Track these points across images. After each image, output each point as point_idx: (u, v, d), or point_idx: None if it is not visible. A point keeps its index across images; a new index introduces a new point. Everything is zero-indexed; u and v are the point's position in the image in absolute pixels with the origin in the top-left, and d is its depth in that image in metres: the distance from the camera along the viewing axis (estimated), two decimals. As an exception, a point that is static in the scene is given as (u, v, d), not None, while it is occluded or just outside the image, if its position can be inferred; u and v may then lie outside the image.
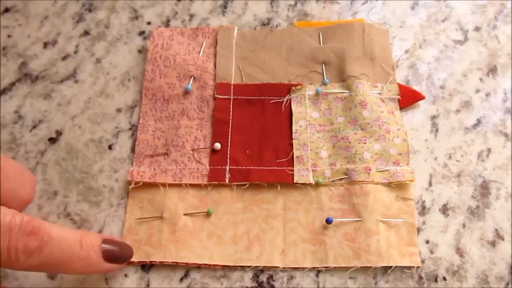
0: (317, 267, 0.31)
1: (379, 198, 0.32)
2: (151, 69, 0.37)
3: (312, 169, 0.33)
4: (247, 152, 0.34)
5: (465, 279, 0.30)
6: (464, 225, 0.32)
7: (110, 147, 0.35)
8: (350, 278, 0.31)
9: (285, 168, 0.33)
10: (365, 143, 0.34)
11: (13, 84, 0.38)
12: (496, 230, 0.32)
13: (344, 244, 0.31)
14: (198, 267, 0.31)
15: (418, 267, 0.31)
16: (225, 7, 0.41)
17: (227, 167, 0.33)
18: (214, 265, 0.31)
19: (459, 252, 0.31)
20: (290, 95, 0.36)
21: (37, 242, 0.24)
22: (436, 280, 0.30)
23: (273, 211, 0.32)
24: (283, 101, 0.36)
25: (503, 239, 0.31)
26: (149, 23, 0.41)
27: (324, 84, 0.36)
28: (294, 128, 0.35)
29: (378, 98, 0.36)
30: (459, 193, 0.33)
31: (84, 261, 0.26)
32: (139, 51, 0.39)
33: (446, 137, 0.35)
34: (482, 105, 0.36)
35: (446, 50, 0.38)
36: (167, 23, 0.40)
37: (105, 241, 0.28)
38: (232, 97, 0.36)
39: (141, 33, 0.40)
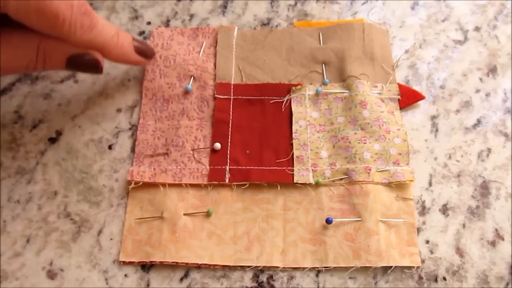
0: (317, 267, 0.31)
1: (379, 198, 0.32)
2: (151, 69, 0.37)
3: (312, 169, 0.33)
4: (247, 152, 0.34)
5: (465, 279, 0.30)
6: (464, 225, 0.32)
7: (110, 147, 0.35)
8: (350, 278, 0.31)
9: (285, 168, 0.33)
10: (365, 143, 0.34)
11: (13, 84, 0.38)
12: (496, 230, 0.32)
13: (344, 244, 0.31)
14: (198, 267, 0.31)
15: (418, 267, 0.31)
16: (225, 7, 0.41)
17: (227, 167, 0.34)
18: (214, 265, 0.31)
19: (459, 252, 0.31)
20: (290, 95, 0.36)
21: (89, 22, 0.29)
22: (436, 280, 0.30)
23: (273, 211, 0.32)
24: (283, 101, 0.36)
25: (503, 239, 0.31)
26: (149, 23, 0.41)
27: (324, 84, 0.36)
28: (294, 128, 0.35)
29: (378, 98, 0.36)
30: (459, 193, 0.33)
31: (120, 49, 0.32)
32: None
33: (446, 137, 0.35)
34: (482, 105, 0.36)
35: (446, 50, 0.38)
36: (167, 23, 0.40)
37: (134, 39, 0.34)
38: (232, 97, 0.36)
39: (141, 33, 0.40)
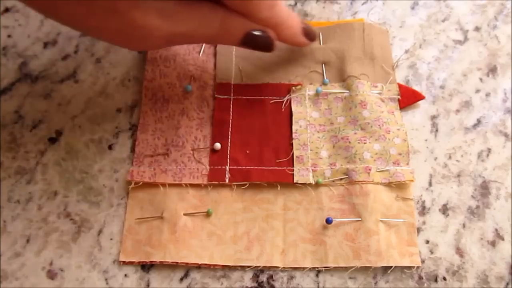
0: (317, 267, 0.31)
1: (379, 198, 0.32)
2: (151, 69, 0.37)
3: (312, 169, 0.33)
4: (247, 152, 0.34)
5: (465, 279, 0.30)
6: (464, 225, 0.32)
7: (110, 147, 0.35)
8: (350, 278, 0.31)
9: (285, 168, 0.33)
10: (365, 143, 0.34)
11: (13, 84, 0.38)
12: (496, 230, 0.32)
13: (344, 244, 0.31)
14: (198, 267, 0.31)
15: (418, 267, 0.31)
16: (225, 7, 0.41)
17: (227, 167, 0.33)
18: (214, 265, 0.31)
19: (459, 252, 0.31)
20: (290, 95, 0.36)
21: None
22: (436, 280, 0.30)
23: (273, 211, 0.32)
24: (283, 101, 0.36)
25: (503, 239, 0.31)
26: (149, 23, 0.41)
27: (324, 84, 0.36)
28: (294, 128, 0.35)
29: (378, 98, 0.36)
30: (459, 193, 0.33)
31: (291, 30, 0.33)
32: (139, 51, 0.39)
33: (446, 137, 0.35)
34: (482, 105, 0.36)
35: (446, 50, 0.38)
36: (167, 23, 0.40)
37: (302, 22, 0.34)
38: (232, 97, 0.36)
39: (141, 33, 0.40)
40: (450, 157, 0.34)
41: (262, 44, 0.31)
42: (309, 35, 0.35)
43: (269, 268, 0.31)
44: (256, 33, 0.31)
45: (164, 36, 0.28)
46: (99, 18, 0.26)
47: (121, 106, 0.37)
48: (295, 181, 0.33)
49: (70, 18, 0.27)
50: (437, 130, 0.35)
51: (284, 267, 0.31)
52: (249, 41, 0.31)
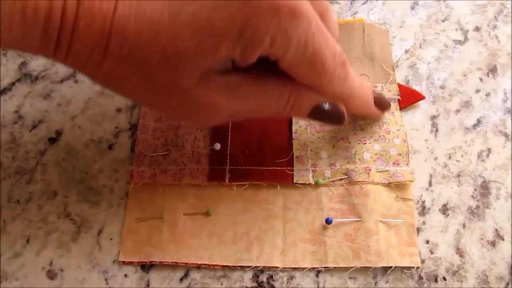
0: (317, 267, 0.31)
1: (379, 198, 0.32)
2: (151, 69, 0.37)
3: (312, 169, 0.33)
4: (247, 152, 0.34)
5: (465, 279, 0.30)
6: (464, 225, 0.32)
7: (110, 147, 0.35)
8: (350, 278, 0.31)
9: (285, 168, 0.33)
10: (365, 143, 0.34)
11: (13, 84, 0.38)
12: (496, 230, 0.32)
13: (344, 244, 0.31)
14: (198, 267, 0.31)
15: (418, 267, 0.31)
16: (225, 7, 0.41)
17: (227, 167, 0.33)
18: (214, 265, 0.31)
19: (459, 252, 0.31)
20: (290, 95, 0.36)
21: (344, 72, 0.27)
22: (436, 280, 0.30)
23: (273, 211, 0.32)
24: (283, 101, 0.36)
25: (503, 239, 0.31)
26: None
27: (324, 84, 0.36)
28: (294, 128, 0.35)
29: (378, 98, 0.36)
30: (459, 193, 0.33)
31: (362, 100, 0.30)
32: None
33: (446, 137, 0.35)
34: (482, 105, 0.36)
35: (446, 50, 0.38)
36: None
37: (374, 91, 0.32)
38: (232, 97, 0.36)
39: (141, 33, 0.40)
40: (450, 157, 0.34)
41: (331, 117, 0.29)
42: (382, 105, 0.33)
43: (269, 268, 0.31)
44: (325, 106, 0.28)
45: (229, 112, 0.26)
46: (160, 95, 0.24)
47: (121, 106, 0.37)
48: (295, 181, 0.33)
49: (130, 93, 0.25)
50: (437, 130, 0.35)
51: (284, 267, 0.31)
52: (317, 114, 0.28)
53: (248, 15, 0.21)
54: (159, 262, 0.31)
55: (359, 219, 0.31)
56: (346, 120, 0.29)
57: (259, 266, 0.31)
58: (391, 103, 0.36)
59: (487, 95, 0.36)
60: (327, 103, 0.28)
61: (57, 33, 0.21)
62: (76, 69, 0.23)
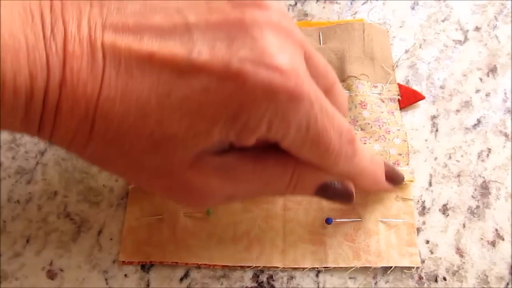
0: (317, 267, 0.31)
1: (379, 198, 0.32)
2: (151, 69, 0.37)
3: (312, 169, 0.33)
4: (247, 152, 0.34)
5: (465, 279, 0.30)
6: (464, 225, 0.32)
7: (110, 147, 0.35)
8: (350, 278, 0.31)
9: (285, 168, 0.33)
10: (365, 143, 0.34)
11: (13, 84, 0.38)
12: (496, 230, 0.32)
13: (344, 244, 0.31)
14: (198, 267, 0.31)
15: (418, 267, 0.31)
16: (225, 7, 0.41)
17: (227, 167, 0.33)
18: (214, 265, 0.31)
19: (459, 252, 0.31)
20: (290, 95, 0.36)
21: (352, 150, 0.25)
22: (436, 280, 0.30)
23: (273, 211, 0.32)
24: (283, 101, 0.36)
25: (503, 239, 0.31)
26: (149, 23, 0.40)
27: (324, 84, 0.36)
28: (294, 128, 0.35)
29: (378, 99, 0.36)
30: (459, 193, 0.33)
31: (373, 177, 0.28)
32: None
33: (446, 137, 0.35)
34: (482, 105, 0.36)
35: (446, 50, 0.38)
36: (167, 23, 0.40)
37: (386, 165, 0.29)
38: (232, 97, 0.36)
39: (141, 33, 0.40)
40: (450, 157, 0.34)
41: (339, 197, 0.27)
42: (394, 180, 0.30)
43: (269, 268, 0.31)
44: (332, 184, 0.26)
45: (225, 195, 0.25)
46: (149, 178, 0.23)
47: (121, 106, 0.37)
48: (295, 181, 0.33)
49: (118, 173, 0.25)
50: (437, 130, 0.35)
51: (284, 267, 0.31)
52: (323, 194, 0.26)
53: (242, 100, 0.20)
54: (159, 262, 0.31)
55: (359, 219, 0.31)
56: (355, 199, 0.28)
57: (259, 266, 0.31)
58: (391, 103, 0.36)
59: (487, 95, 0.36)
60: (337, 184, 0.26)
61: (39, 116, 0.20)
62: (62, 148, 0.22)
